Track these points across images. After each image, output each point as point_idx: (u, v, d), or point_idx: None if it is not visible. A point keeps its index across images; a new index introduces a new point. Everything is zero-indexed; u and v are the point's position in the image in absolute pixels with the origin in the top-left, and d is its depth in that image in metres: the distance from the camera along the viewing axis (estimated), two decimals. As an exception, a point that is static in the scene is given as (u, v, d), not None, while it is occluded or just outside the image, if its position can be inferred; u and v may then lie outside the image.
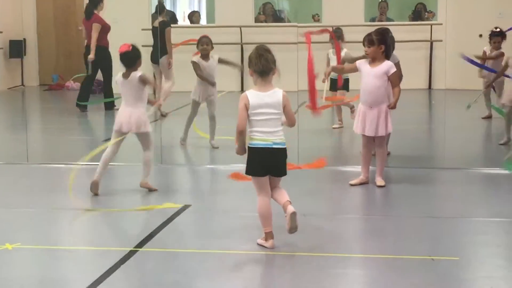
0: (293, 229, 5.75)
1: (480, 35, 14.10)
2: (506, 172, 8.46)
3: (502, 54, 11.63)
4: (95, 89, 16.08)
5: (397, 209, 7.17)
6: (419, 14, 17.63)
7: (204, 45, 10.01)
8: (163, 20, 13.57)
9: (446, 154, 9.51)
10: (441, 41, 15.51)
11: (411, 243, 6.00)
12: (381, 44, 7.69)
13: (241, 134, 5.82)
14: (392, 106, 7.66)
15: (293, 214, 5.72)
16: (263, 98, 5.77)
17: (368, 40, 7.76)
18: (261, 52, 5.80)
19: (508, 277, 5.28)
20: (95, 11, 14.06)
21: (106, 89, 14.03)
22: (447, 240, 6.08)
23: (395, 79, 7.68)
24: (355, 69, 7.96)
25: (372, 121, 7.74)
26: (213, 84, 9.94)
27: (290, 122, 5.90)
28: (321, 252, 5.75)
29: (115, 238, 6.28)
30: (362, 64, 7.87)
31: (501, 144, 9.96)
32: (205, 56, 9.98)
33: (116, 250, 5.82)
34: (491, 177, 8.36)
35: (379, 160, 7.89)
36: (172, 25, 13.76)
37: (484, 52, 11.77)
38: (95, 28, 13.87)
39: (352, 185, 7.85)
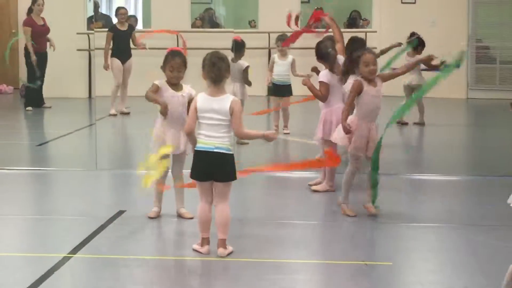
0: None
1: (413, 43, 14.33)
2: (436, 178, 8.59)
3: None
4: (21, 92, 15.89)
5: (332, 215, 7.21)
6: (354, 21, 17.82)
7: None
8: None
9: (381, 159, 9.62)
10: (375, 48, 15.65)
11: (345, 249, 6.06)
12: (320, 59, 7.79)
13: (188, 135, 5.85)
14: (305, 82, 7.64)
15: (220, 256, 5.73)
16: (211, 103, 5.73)
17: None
18: (214, 60, 5.76)
19: (439, 282, 5.37)
20: (31, 14, 14.23)
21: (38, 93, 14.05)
22: (380, 246, 6.16)
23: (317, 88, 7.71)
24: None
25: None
26: None
27: (235, 131, 5.76)
28: (256, 257, 5.76)
29: (47, 244, 6.17)
30: None
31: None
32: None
33: (48, 257, 5.73)
34: (420, 183, 8.49)
35: None
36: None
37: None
38: (25, 31, 14.14)
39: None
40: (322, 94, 7.70)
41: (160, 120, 6.70)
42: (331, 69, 7.70)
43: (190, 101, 6.47)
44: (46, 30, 14.26)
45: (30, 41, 13.99)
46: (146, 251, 5.99)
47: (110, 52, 13.47)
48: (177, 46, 15.32)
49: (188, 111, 6.09)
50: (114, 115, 13.08)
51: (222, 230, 5.76)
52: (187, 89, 6.72)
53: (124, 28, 13.72)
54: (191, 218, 6.60)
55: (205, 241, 5.81)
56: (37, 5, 14.21)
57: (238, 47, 10.43)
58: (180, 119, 6.58)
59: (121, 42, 13.62)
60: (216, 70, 5.74)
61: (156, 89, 6.64)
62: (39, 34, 14.14)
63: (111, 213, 6.94)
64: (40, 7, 14.20)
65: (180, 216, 6.76)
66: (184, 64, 6.64)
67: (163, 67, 6.65)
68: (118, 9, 14.35)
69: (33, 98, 14.11)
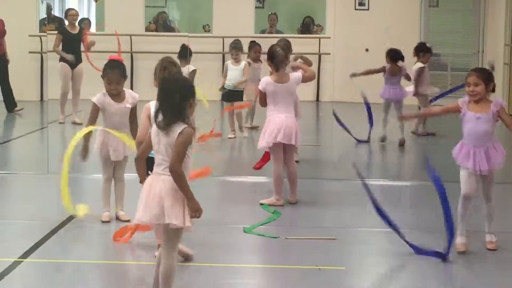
0: None
1: (367, 50, 14.49)
2: (388, 183, 8.66)
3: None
4: None
5: (284, 220, 7.22)
6: (308, 27, 17.92)
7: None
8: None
9: (335, 165, 9.70)
10: (329, 54, 15.80)
11: (298, 253, 6.07)
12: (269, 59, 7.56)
13: (140, 144, 5.72)
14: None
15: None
16: None
17: None
18: (165, 64, 5.74)
19: (391, 286, 5.42)
20: None
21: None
22: (333, 250, 6.18)
23: None
24: None
25: None
26: None
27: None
28: (210, 262, 5.74)
29: (-3, 248, 6.10)
30: None
31: None
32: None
33: (-2, 261, 5.66)
34: (372, 188, 8.53)
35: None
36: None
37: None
38: None
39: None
40: (260, 101, 7.54)
41: (103, 127, 6.65)
42: (277, 70, 7.40)
43: (134, 107, 6.58)
44: (2, 32, 13.92)
45: None
46: (98, 256, 5.94)
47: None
48: (131, 50, 15.29)
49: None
50: (62, 123, 12.49)
51: None
52: (129, 96, 6.66)
53: (75, 31, 13.07)
54: (128, 221, 6.59)
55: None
56: None
57: (186, 53, 10.52)
58: (122, 127, 6.58)
59: (71, 46, 12.92)
60: (167, 74, 5.69)
61: (97, 111, 6.61)
62: None
63: (63, 217, 6.85)
64: None
65: (117, 218, 6.79)
66: (122, 76, 6.61)
67: (103, 77, 6.62)
68: (68, 10, 13.72)
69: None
